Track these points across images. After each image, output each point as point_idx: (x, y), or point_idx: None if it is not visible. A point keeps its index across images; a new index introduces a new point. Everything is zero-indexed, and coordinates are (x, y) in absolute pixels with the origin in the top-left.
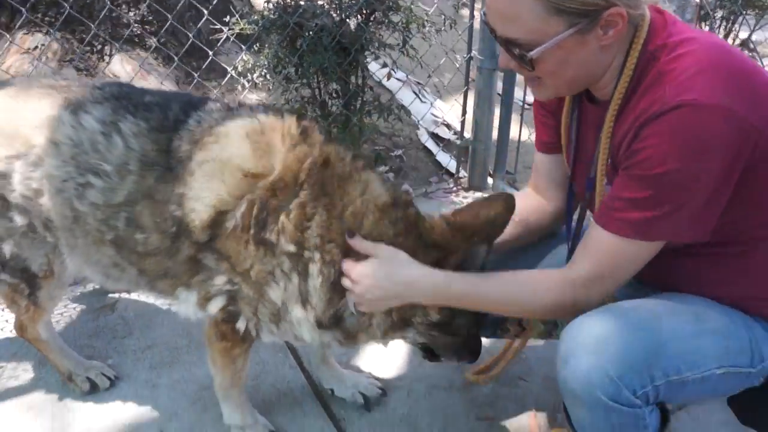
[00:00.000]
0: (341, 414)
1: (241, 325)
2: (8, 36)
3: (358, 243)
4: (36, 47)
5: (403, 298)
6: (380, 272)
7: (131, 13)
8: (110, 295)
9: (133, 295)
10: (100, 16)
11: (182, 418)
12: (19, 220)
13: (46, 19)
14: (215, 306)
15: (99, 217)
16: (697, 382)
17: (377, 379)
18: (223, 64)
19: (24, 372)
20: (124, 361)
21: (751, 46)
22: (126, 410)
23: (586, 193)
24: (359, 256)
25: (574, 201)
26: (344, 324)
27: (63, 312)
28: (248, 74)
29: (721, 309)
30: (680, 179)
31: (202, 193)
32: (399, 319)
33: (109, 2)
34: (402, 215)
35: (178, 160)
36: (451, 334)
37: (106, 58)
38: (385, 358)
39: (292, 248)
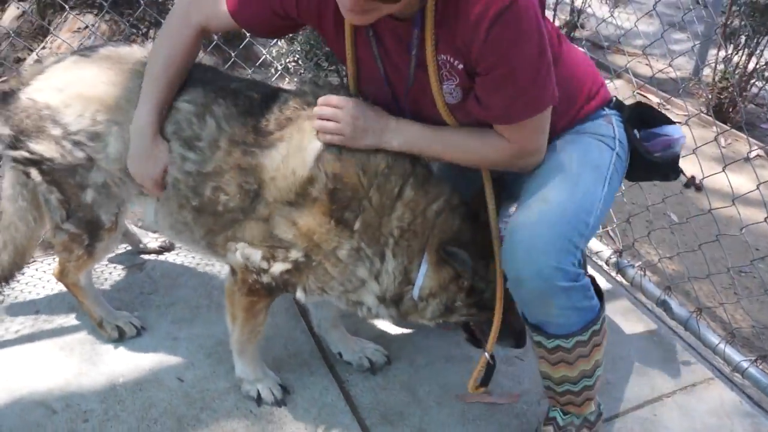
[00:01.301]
0: (345, 376)
1: (300, 295)
2: (69, 13)
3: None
4: (86, 27)
5: (379, 136)
6: (358, 109)
7: None
8: (141, 256)
9: (161, 257)
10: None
11: (198, 368)
12: (97, 176)
13: (97, 1)
14: (277, 268)
15: (191, 183)
16: (598, 215)
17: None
18: (260, 48)
19: (58, 317)
20: (148, 314)
21: None
22: (147, 358)
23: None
24: None
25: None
26: (402, 305)
27: (96, 267)
28: (282, 59)
29: (566, 142)
30: (539, 54)
31: (303, 158)
32: (446, 307)
33: None
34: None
35: (269, 135)
36: (488, 311)
37: (151, 40)
38: (390, 330)
39: (372, 233)
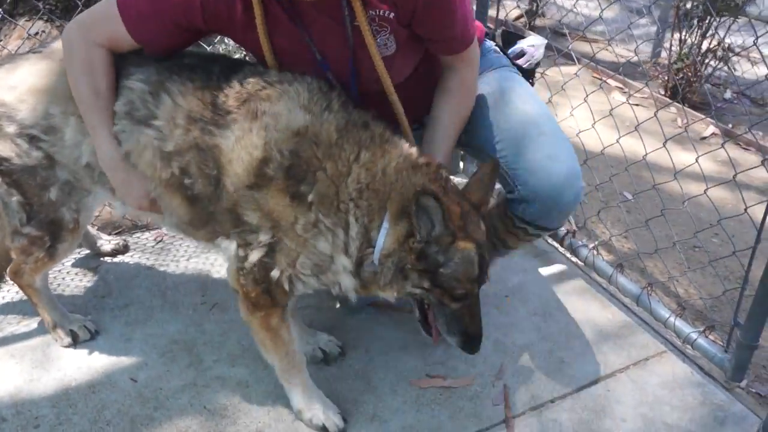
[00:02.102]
0: None
1: (275, 273)
2: (12, 21)
3: None
4: (37, 33)
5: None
6: None
7: None
8: (98, 258)
9: (116, 259)
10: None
11: (152, 368)
12: (61, 174)
13: (47, 6)
14: (255, 256)
15: (152, 159)
16: None
17: (337, 338)
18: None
19: (8, 325)
20: (102, 317)
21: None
22: (101, 360)
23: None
24: None
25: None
26: (363, 273)
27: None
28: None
29: (502, 79)
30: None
31: (252, 141)
32: (397, 268)
33: None
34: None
35: (226, 113)
36: (443, 294)
37: None
38: (347, 320)
39: (329, 204)
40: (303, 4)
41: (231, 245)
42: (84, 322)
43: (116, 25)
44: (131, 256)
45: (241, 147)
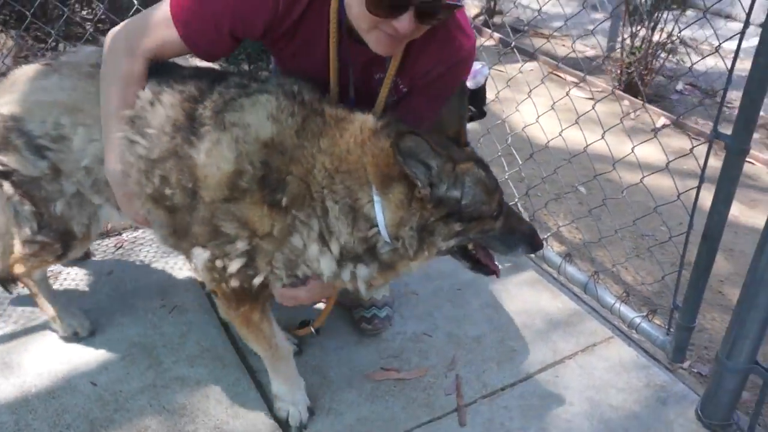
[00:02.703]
0: (257, 366)
1: (258, 279)
2: None
3: None
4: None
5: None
6: None
7: (84, 12)
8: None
9: (77, 265)
10: (54, 16)
11: (112, 372)
12: (68, 187)
13: (1, 17)
14: (235, 266)
15: (141, 168)
16: None
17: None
18: None
19: None
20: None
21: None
22: (61, 365)
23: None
24: None
25: None
26: (381, 256)
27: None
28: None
29: None
30: None
31: (223, 153)
32: (421, 232)
33: (60, 3)
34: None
35: (201, 125)
36: (480, 224)
37: (60, 53)
38: (301, 317)
39: (301, 200)
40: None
41: (204, 254)
42: (83, 319)
43: (167, 31)
44: (92, 262)
45: (212, 159)
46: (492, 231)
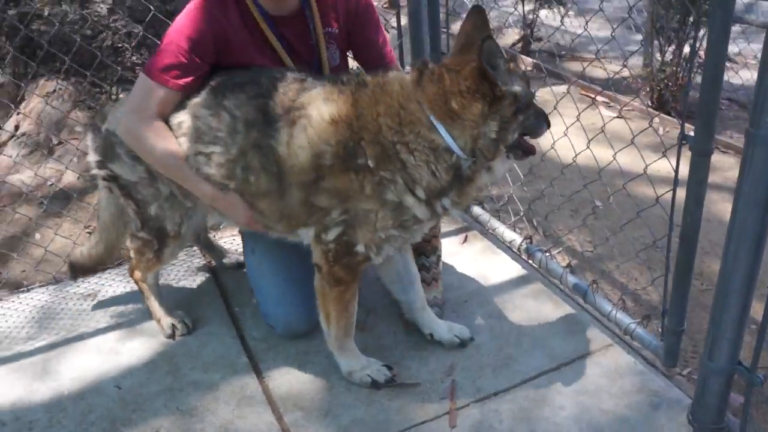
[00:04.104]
0: (266, 373)
1: (360, 248)
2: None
3: None
4: (54, 91)
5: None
6: None
7: (134, 57)
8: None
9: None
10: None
11: (135, 377)
12: (163, 189)
13: (63, 66)
14: (332, 234)
15: (223, 172)
16: None
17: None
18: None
19: (15, 344)
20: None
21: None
22: (91, 371)
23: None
24: None
25: None
26: (463, 175)
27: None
28: None
29: None
30: None
31: (300, 141)
32: (499, 134)
33: (100, 54)
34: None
35: (276, 118)
36: (527, 111)
37: (113, 97)
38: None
39: (383, 159)
40: (280, 19)
41: (310, 231)
42: (183, 318)
43: (158, 92)
44: (113, 279)
45: (292, 150)
46: (532, 116)
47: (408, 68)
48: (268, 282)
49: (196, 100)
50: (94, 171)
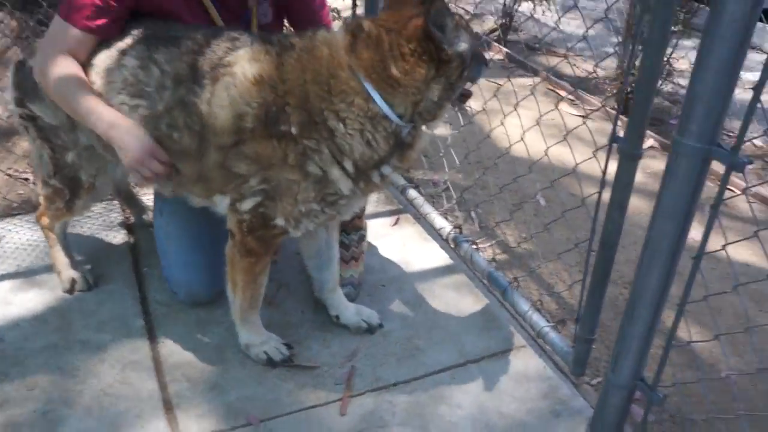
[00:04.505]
0: (162, 339)
1: (279, 221)
2: None
3: None
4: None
5: None
6: None
7: None
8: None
9: (8, 227)
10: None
11: (21, 329)
12: (83, 138)
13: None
14: (248, 204)
15: (148, 127)
16: None
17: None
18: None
19: None
20: None
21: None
22: None
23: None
24: None
25: None
26: (404, 141)
27: None
28: None
29: None
30: None
31: (221, 100)
32: (441, 92)
33: None
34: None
35: (202, 75)
36: (472, 69)
37: None
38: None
39: (306, 126)
40: None
41: (226, 199)
42: (86, 273)
43: (69, 33)
44: (22, 226)
45: (213, 109)
46: (474, 65)
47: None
48: (173, 245)
49: (126, 48)
50: (11, 107)
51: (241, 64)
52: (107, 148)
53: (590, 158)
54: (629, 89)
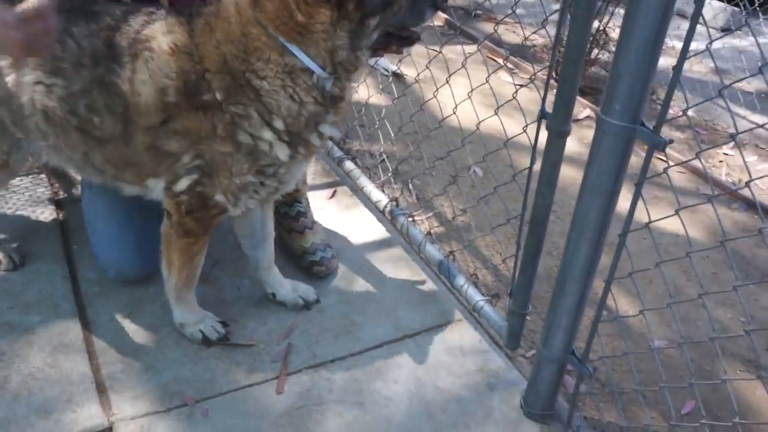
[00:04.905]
0: (94, 319)
1: (219, 197)
2: None
3: None
4: None
5: None
6: None
7: None
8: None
9: None
10: None
11: None
12: None
13: None
14: (184, 183)
15: (65, 108)
16: None
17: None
18: None
19: None
20: None
21: None
22: None
23: None
24: None
25: None
26: (331, 94)
27: None
28: None
29: None
30: None
31: (142, 76)
32: (350, 41)
33: None
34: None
35: (121, 53)
36: (389, 12)
37: None
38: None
39: (231, 90)
40: None
41: (160, 183)
42: (11, 252)
43: None
44: None
45: (135, 87)
46: (402, 8)
47: None
48: (102, 221)
49: None
50: None
51: (157, 37)
52: (18, 125)
53: (521, 133)
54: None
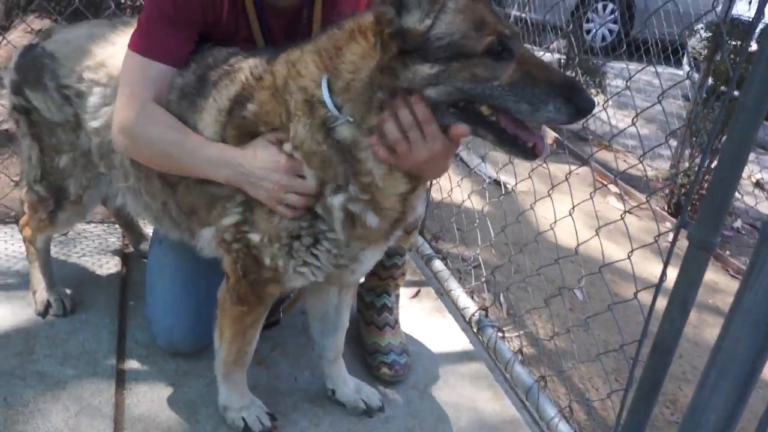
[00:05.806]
0: (131, 384)
1: (254, 237)
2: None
3: None
4: (40, 30)
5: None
6: None
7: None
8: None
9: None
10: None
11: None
12: (84, 141)
13: (57, 8)
14: (229, 221)
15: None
16: None
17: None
18: None
19: None
20: None
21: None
22: None
23: None
24: None
25: None
26: (340, 141)
27: None
28: None
29: None
30: None
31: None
32: (370, 76)
33: (113, 4)
34: None
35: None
36: (465, 63)
37: None
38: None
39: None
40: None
41: (209, 231)
42: (63, 297)
43: (154, 70)
44: (12, 236)
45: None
46: (495, 80)
47: None
48: (164, 281)
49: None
50: (6, 94)
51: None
52: (104, 158)
53: (652, 243)
54: (680, 192)
